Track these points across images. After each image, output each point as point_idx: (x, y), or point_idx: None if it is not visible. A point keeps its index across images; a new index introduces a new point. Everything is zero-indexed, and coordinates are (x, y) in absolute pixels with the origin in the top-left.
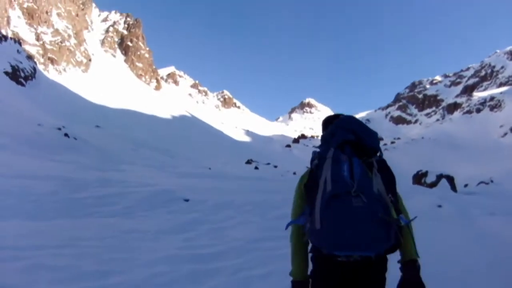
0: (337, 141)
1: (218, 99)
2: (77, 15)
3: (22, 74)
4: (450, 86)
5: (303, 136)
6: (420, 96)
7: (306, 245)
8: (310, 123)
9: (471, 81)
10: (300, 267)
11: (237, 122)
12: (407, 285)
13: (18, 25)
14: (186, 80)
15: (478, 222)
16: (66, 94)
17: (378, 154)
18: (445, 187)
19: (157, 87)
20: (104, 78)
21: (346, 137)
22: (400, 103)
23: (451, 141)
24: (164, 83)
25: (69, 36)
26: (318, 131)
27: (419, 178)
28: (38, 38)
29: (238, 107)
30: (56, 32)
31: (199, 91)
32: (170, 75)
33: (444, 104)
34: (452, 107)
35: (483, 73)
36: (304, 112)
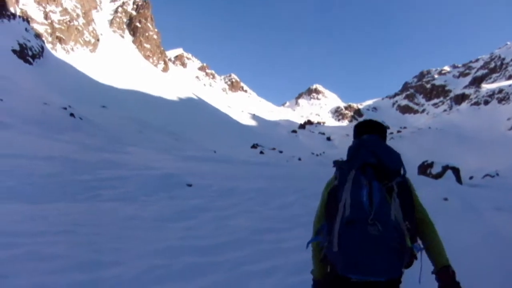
0: (359, 163)
1: (226, 82)
2: None
3: (30, 53)
4: (458, 77)
5: (309, 122)
6: (428, 86)
7: None
8: (316, 109)
9: (480, 73)
10: (320, 269)
11: (244, 106)
12: None
13: (27, 3)
14: (194, 63)
15: (485, 218)
16: (73, 73)
17: (401, 173)
18: (451, 179)
19: (165, 69)
20: (111, 59)
21: (367, 160)
22: (408, 92)
23: (457, 132)
24: (172, 65)
25: (78, 15)
26: (324, 118)
27: (424, 168)
28: (46, 16)
29: (245, 91)
30: (65, 11)
31: (207, 74)
32: (178, 57)
33: (452, 94)
34: (460, 98)
35: (492, 65)
36: (311, 98)
